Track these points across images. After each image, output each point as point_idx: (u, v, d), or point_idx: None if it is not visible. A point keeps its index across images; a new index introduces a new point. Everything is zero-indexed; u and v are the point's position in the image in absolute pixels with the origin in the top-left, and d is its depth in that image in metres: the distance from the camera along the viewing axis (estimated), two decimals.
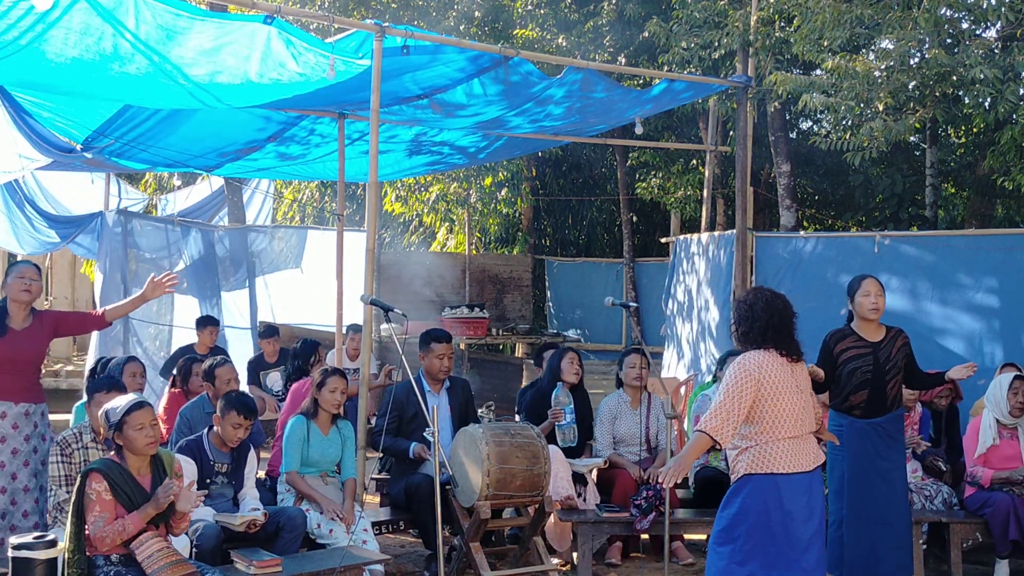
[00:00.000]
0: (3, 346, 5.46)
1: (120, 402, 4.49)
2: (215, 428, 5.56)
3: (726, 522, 4.53)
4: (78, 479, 4.37)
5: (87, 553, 4.30)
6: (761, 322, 4.54)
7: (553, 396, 6.54)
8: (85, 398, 6.55)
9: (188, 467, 5.31)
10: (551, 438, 6.47)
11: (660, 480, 4.42)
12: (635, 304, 12.75)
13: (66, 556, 4.27)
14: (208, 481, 5.44)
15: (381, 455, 7.02)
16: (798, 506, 4.44)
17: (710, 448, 4.61)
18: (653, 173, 14.35)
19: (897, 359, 5.49)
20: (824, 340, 5.54)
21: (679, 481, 4.49)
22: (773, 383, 4.45)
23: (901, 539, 5.47)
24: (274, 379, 9.29)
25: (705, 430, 4.41)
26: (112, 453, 4.48)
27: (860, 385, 5.42)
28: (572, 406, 6.50)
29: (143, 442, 4.39)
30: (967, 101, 8.80)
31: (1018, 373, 6.42)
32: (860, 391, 5.44)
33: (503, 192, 15.49)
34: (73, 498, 4.32)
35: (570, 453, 6.52)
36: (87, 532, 4.28)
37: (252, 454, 5.69)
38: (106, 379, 5.58)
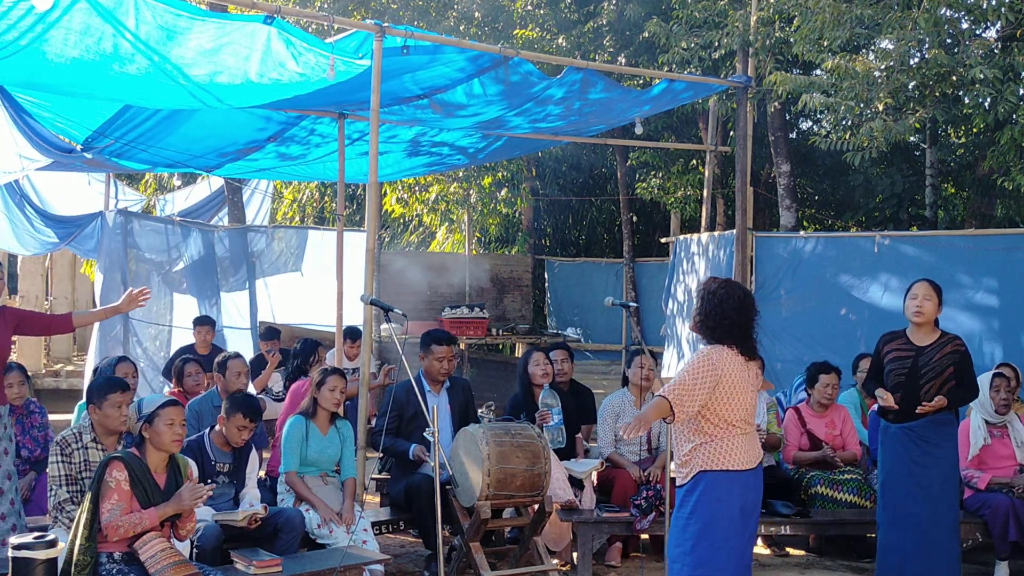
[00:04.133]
0: None
1: (156, 398, 4.68)
2: (218, 427, 5.56)
3: (681, 522, 4.49)
4: (99, 466, 4.44)
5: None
6: (730, 320, 4.51)
7: (540, 398, 6.52)
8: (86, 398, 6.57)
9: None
10: None
11: (623, 433, 4.45)
12: (635, 304, 12.74)
13: (78, 543, 4.30)
14: (209, 481, 5.44)
15: (381, 455, 7.02)
16: (747, 501, 4.45)
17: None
18: (653, 173, 14.35)
19: (939, 365, 5.40)
20: (877, 340, 5.65)
21: (639, 435, 4.55)
22: (731, 380, 4.44)
23: (939, 547, 5.39)
24: (274, 379, 9.29)
25: (667, 396, 4.39)
26: (133, 448, 4.56)
27: (894, 388, 5.41)
28: (559, 408, 6.47)
29: (170, 437, 4.51)
30: (967, 101, 8.81)
31: (998, 371, 6.42)
32: (893, 394, 5.43)
33: (503, 192, 15.49)
34: (91, 485, 4.39)
35: (561, 454, 6.51)
36: (101, 519, 4.32)
37: (254, 453, 5.69)
38: (117, 380, 5.54)
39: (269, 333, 9.63)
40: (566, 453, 6.62)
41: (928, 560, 5.36)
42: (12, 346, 5.55)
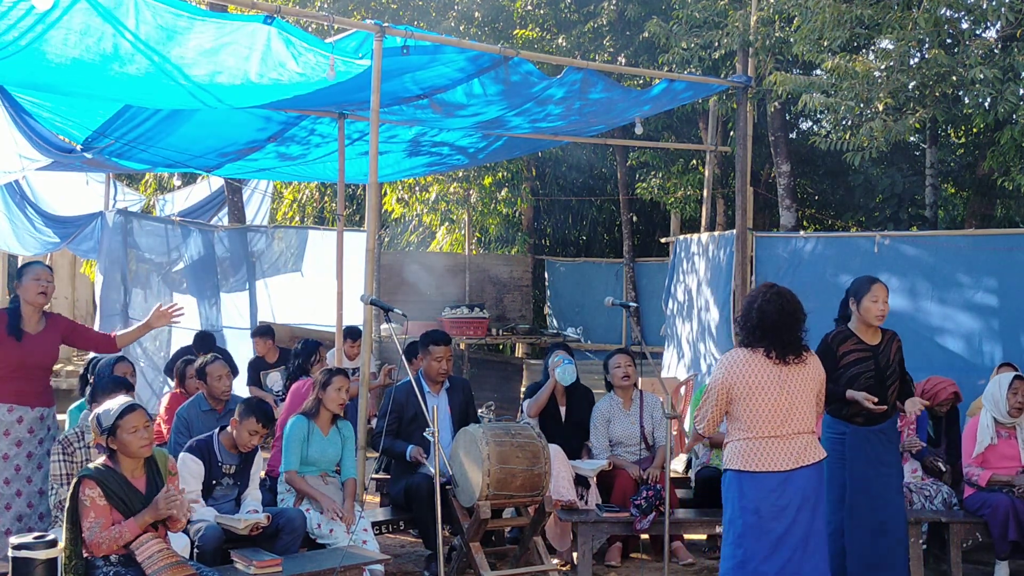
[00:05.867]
0: (19, 351, 5.42)
1: (112, 406, 4.40)
2: (228, 429, 5.52)
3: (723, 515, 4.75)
4: (71, 485, 4.34)
5: (85, 555, 4.29)
6: (753, 322, 4.62)
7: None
8: (81, 400, 6.56)
9: (196, 467, 5.31)
10: (553, 422, 6.58)
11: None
12: (635, 304, 12.75)
13: (62, 561, 4.27)
14: (215, 482, 5.44)
15: (379, 455, 7.02)
16: (765, 505, 4.51)
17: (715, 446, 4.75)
18: (653, 173, 14.34)
19: (894, 364, 5.42)
20: (825, 341, 5.42)
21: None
22: (747, 383, 4.53)
23: (901, 542, 5.44)
24: (274, 379, 9.28)
25: (700, 431, 4.74)
26: (104, 457, 4.41)
27: (864, 391, 5.33)
28: (571, 359, 6.74)
29: (138, 445, 4.33)
30: (967, 101, 8.81)
31: (1018, 373, 6.41)
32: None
33: (503, 192, 15.49)
34: (67, 504, 4.31)
35: (569, 454, 6.52)
36: (84, 537, 4.28)
37: (259, 456, 5.69)
38: (112, 380, 5.56)
39: (259, 330, 9.59)
40: (573, 453, 6.63)
41: (885, 562, 5.35)
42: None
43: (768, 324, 4.57)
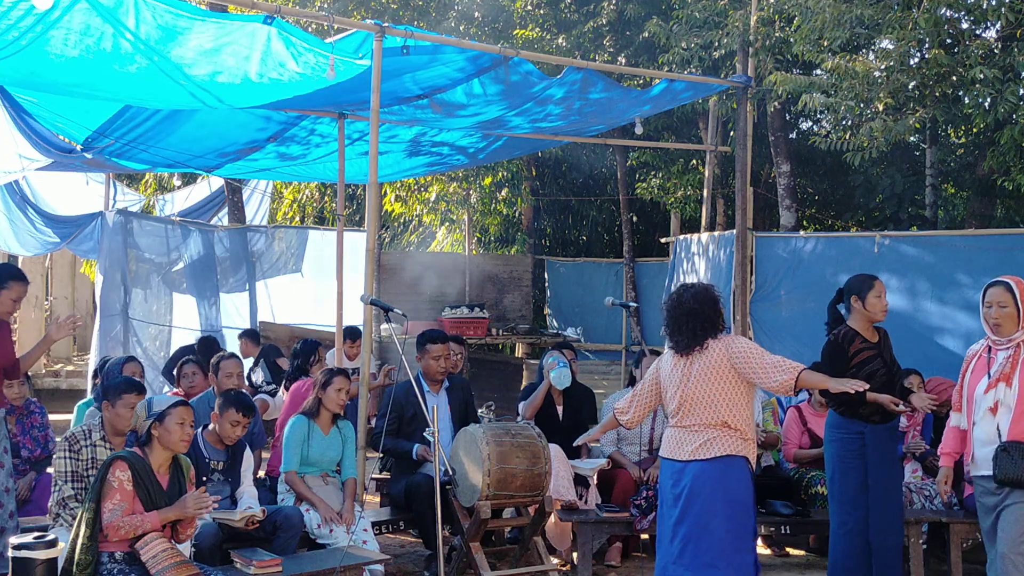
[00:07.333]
0: None
1: (166, 398, 4.77)
2: (211, 426, 5.56)
3: None
4: (102, 466, 4.48)
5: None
6: (664, 324, 4.92)
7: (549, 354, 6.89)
8: (91, 397, 6.57)
9: None
10: (550, 423, 6.59)
11: (575, 443, 5.43)
12: (635, 304, 12.74)
13: (80, 542, 4.32)
14: (204, 479, 5.44)
15: (381, 455, 7.02)
16: (664, 491, 4.81)
17: None
18: (653, 173, 14.32)
19: (893, 359, 5.45)
20: (835, 342, 5.36)
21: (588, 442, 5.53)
22: (664, 380, 4.88)
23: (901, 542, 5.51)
24: (256, 374, 9.29)
25: (615, 413, 5.05)
26: (136, 447, 4.58)
27: (880, 390, 5.24)
28: (566, 361, 6.76)
29: (180, 436, 4.57)
30: (967, 101, 8.81)
31: None
32: (879, 395, 5.35)
33: (503, 192, 15.48)
34: (94, 484, 4.43)
35: (568, 454, 6.53)
36: (103, 518, 4.34)
37: (248, 452, 5.70)
38: (125, 381, 5.53)
39: (243, 332, 9.68)
40: (573, 452, 6.63)
41: (900, 556, 5.43)
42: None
43: (666, 322, 4.88)
